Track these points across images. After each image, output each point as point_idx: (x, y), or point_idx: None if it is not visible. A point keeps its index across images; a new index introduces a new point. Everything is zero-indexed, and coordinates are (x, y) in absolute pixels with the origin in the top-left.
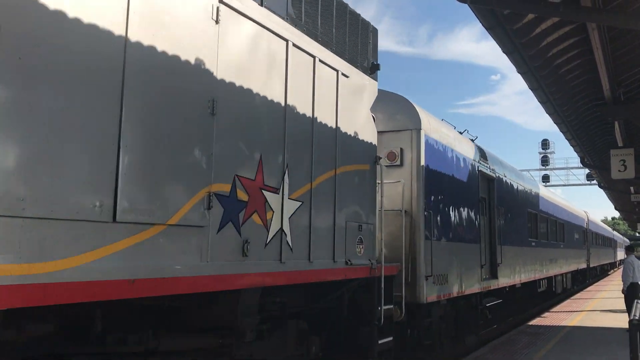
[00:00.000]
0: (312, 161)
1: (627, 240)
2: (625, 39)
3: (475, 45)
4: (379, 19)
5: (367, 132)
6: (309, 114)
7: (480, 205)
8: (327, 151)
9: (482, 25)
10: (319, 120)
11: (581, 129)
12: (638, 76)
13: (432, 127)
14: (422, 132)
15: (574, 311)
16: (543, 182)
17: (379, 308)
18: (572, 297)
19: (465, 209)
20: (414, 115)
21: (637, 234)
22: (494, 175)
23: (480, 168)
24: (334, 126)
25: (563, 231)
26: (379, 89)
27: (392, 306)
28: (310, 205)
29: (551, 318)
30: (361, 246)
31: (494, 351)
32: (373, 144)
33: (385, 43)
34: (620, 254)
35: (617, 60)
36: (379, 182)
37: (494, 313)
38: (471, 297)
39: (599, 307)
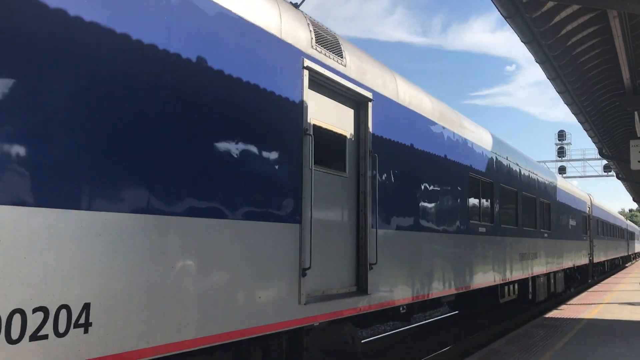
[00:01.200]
0: None
1: None
2: None
3: (490, 35)
4: (392, 9)
5: None
6: None
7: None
8: None
9: (501, 13)
10: None
11: (600, 120)
12: None
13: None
14: None
15: (591, 304)
16: (560, 173)
17: None
18: (589, 290)
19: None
20: None
21: None
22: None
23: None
24: None
25: (549, 214)
26: None
27: None
28: None
29: (568, 310)
30: None
31: (510, 344)
32: None
33: (399, 34)
34: (638, 246)
35: (638, 49)
36: None
37: (509, 306)
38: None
39: (617, 300)
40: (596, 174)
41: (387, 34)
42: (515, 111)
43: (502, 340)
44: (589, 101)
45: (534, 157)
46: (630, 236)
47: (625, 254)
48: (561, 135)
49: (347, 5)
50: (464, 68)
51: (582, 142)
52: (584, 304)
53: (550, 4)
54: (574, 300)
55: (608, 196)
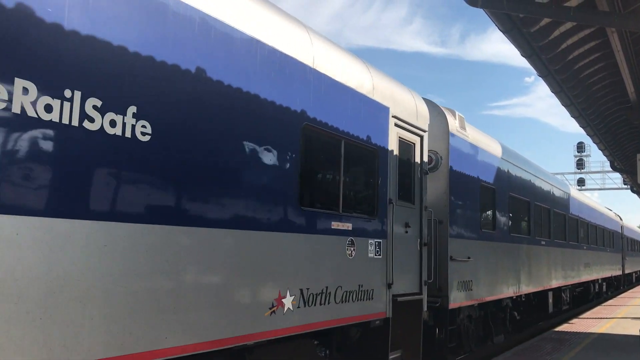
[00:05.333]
0: None
1: None
2: None
3: (508, 45)
4: (410, 19)
5: None
6: None
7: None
8: None
9: (498, 28)
10: None
11: (608, 133)
12: None
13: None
14: None
15: (603, 318)
16: (578, 185)
17: None
18: (603, 304)
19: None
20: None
21: None
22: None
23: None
24: None
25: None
26: None
27: None
28: None
29: (579, 324)
30: None
31: (517, 356)
32: None
33: (417, 44)
34: None
35: None
36: None
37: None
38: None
39: (631, 315)
40: (616, 186)
41: (406, 44)
42: (535, 122)
43: (507, 353)
44: (596, 114)
45: (552, 169)
46: None
47: None
48: (580, 147)
49: (364, 16)
50: (483, 78)
51: (601, 155)
52: (596, 318)
53: (547, 19)
54: (587, 314)
55: (628, 210)
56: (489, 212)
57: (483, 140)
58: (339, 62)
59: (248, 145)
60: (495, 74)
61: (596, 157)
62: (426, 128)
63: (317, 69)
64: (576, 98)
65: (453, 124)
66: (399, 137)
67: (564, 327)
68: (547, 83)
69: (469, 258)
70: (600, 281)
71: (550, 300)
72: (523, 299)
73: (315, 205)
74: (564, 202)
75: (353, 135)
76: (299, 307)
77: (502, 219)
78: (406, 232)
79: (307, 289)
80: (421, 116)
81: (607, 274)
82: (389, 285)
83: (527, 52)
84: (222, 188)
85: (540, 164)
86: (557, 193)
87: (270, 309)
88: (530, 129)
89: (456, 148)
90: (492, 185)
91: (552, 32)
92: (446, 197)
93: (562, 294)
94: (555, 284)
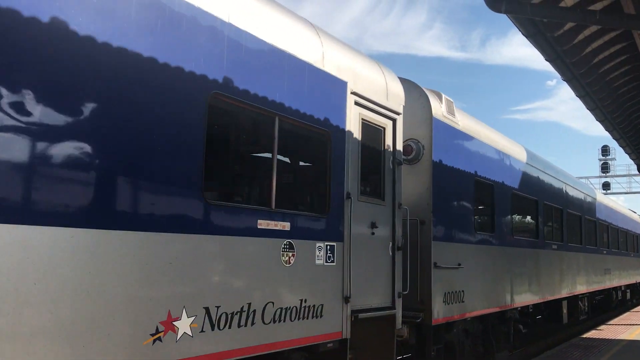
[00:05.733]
0: None
1: None
2: None
3: (529, 49)
4: (430, 24)
5: None
6: None
7: None
8: None
9: (522, 33)
10: None
11: (635, 136)
12: None
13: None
14: None
15: (633, 324)
16: (603, 190)
17: None
18: (632, 310)
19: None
20: None
21: None
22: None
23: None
24: None
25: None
26: None
27: None
28: None
29: (607, 331)
30: None
31: None
32: None
33: (437, 49)
34: None
35: None
36: None
37: (545, 324)
38: None
39: None
40: None
41: (426, 49)
42: (557, 126)
43: None
44: (622, 117)
45: (576, 173)
46: None
47: None
48: (605, 150)
49: (384, 21)
50: (504, 82)
51: (627, 157)
52: (624, 324)
53: (571, 23)
54: (615, 321)
55: None
56: (487, 212)
57: (478, 130)
58: (271, 21)
59: (120, 118)
60: (516, 78)
61: (621, 161)
62: (400, 110)
63: (235, 24)
64: (602, 102)
65: (438, 108)
66: (362, 118)
67: (591, 334)
68: (571, 87)
69: (459, 265)
70: (623, 288)
71: (565, 311)
72: (531, 310)
73: (232, 198)
74: (579, 203)
75: (292, 112)
76: (202, 331)
77: (503, 220)
78: (372, 233)
79: (218, 307)
80: (393, 96)
81: (631, 280)
82: (346, 299)
83: (551, 56)
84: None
85: (564, 168)
86: (571, 192)
87: (152, 335)
88: (553, 132)
89: (442, 136)
90: (490, 181)
91: (576, 36)
92: (429, 194)
93: (580, 303)
94: (567, 292)
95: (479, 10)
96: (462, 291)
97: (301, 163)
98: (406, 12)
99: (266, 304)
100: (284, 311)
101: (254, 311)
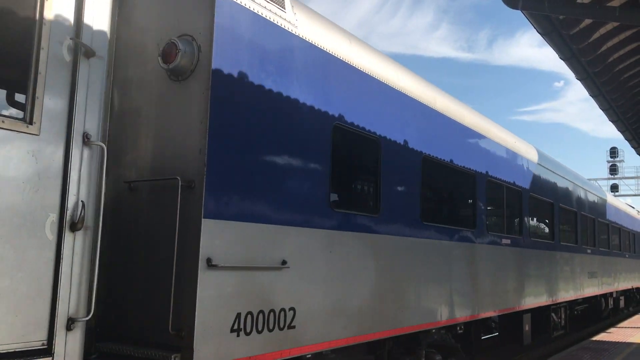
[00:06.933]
0: None
1: None
2: None
3: (537, 50)
4: (437, 25)
5: None
6: None
7: None
8: None
9: (537, 31)
10: None
11: None
12: None
13: None
14: None
15: None
16: (612, 192)
17: None
18: None
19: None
20: None
21: None
22: None
23: None
24: None
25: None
26: None
27: None
28: None
29: (617, 334)
30: None
31: None
32: None
33: (444, 50)
34: None
35: None
36: None
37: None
38: None
39: None
40: None
41: (432, 49)
42: (565, 127)
43: None
44: (635, 118)
45: (584, 175)
46: None
47: None
48: (613, 152)
49: (391, 21)
50: (511, 83)
51: (636, 159)
52: (635, 327)
53: (588, 21)
54: (625, 323)
55: None
56: (364, 178)
57: (360, 54)
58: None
59: None
60: (523, 79)
61: (630, 163)
62: None
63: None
64: (615, 101)
65: None
66: None
67: (601, 337)
68: (585, 86)
69: (283, 263)
70: (615, 295)
71: (526, 328)
72: (460, 330)
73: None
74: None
75: None
76: None
77: (400, 192)
78: None
79: None
80: None
81: (627, 285)
82: None
83: (566, 54)
84: None
85: (574, 170)
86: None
87: None
88: (560, 134)
89: (243, 34)
90: (374, 136)
91: (591, 34)
92: (202, 133)
93: (554, 315)
94: (531, 303)
95: (486, 11)
96: (292, 309)
97: None
98: (413, 13)
99: None
100: None
101: None
